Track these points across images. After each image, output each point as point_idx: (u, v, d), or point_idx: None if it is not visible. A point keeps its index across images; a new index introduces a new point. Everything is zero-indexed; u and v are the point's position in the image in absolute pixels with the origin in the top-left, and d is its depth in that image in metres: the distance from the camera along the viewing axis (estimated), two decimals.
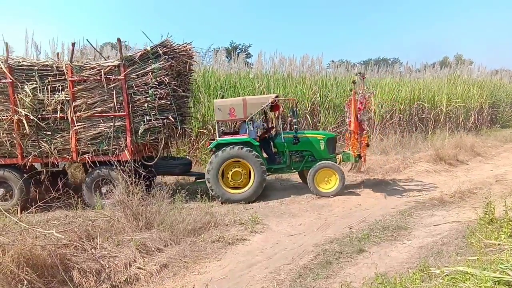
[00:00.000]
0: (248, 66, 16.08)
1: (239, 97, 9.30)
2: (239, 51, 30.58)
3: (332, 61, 19.27)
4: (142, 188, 6.19)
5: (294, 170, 8.88)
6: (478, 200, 7.20)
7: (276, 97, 8.49)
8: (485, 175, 9.91)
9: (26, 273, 3.92)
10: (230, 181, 8.10)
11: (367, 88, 8.73)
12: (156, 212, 5.98)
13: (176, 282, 4.53)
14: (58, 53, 9.46)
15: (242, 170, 8.08)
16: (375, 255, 5.02)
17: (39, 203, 5.41)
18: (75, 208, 6.76)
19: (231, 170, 8.06)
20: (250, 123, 8.36)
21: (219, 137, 8.21)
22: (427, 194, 8.16)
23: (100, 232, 5.20)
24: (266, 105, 8.43)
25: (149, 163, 7.79)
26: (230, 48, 30.68)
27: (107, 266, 4.56)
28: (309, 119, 13.90)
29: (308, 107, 14.09)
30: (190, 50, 8.31)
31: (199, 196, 7.79)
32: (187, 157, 11.02)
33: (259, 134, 8.85)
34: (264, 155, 8.73)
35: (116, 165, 7.10)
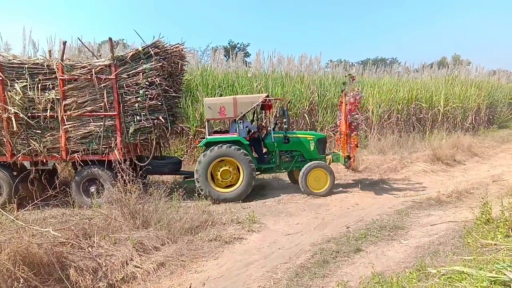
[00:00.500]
0: (246, 65, 16.08)
1: (229, 96, 9.27)
2: (238, 50, 30.57)
3: (331, 60, 19.29)
4: (139, 186, 6.18)
5: (283, 170, 8.86)
6: (475, 200, 7.23)
7: (267, 96, 8.49)
8: (482, 175, 9.94)
9: (23, 271, 3.90)
10: (219, 180, 8.05)
11: (358, 89, 8.73)
12: (153, 210, 5.97)
13: (173, 280, 4.52)
14: (50, 51, 9.41)
15: (231, 169, 8.04)
16: (372, 255, 5.03)
17: (35, 201, 5.40)
18: (72, 206, 6.75)
19: (221, 169, 8.02)
20: (241, 122, 8.33)
21: (209, 135, 8.19)
22: (424, 194, 8.17)
23: (97, 230, 5.19)
24: (257, 105, 8.41)
25: (140, 163, 7.75)
26: (228, 47, 30.67)
27: (104, 264, 4.55)
28: (307, 118, 13.91)
29: (306, 106, 14.10)
30: (182, 50, 8.33)
31: (196, 194, 7.79)
32: (185, 155, 11.00)
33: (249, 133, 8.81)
34: (255, 154, 8.72)
35: (115, 164, 7.07)
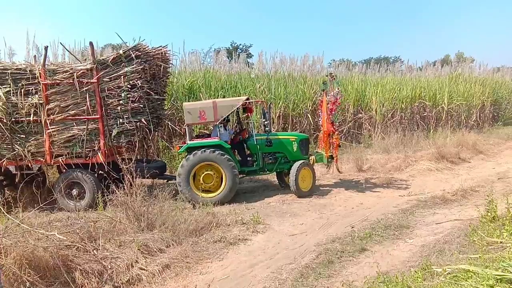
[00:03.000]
0: (249, 66, 16.09)
1: (209, 100, 9.10)
2: (240, 51, 30.60)
3: (333, 60, 19.28)
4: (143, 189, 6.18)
5: (268, 172, 8.80)
6: (480, 198, 7.19)
7: (247, 99, 8.36)
8: (487, 173, 9.88)
9: (29, 274, 3.92)
10: (202, 184, 7.87)
11: (338, 88, 8.65)
12: (158, 212, 5.98)
13: (178, 282, 4.53)
14: (35, 56, 9.50)
15: (213, 174, 7.89)
16: (377, 254, 5.01)
17: (41, 205, 5.43)
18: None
19: (203, 173, 7.89)
20: (221, 126, 8.25)
21: (189, 140, 8.08)
22: (429, 192, 8.14)
23: (102, 233, 5.20)
24: (237, 108, 8.31)
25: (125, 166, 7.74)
26: (231, 48, 30.69)
27: (109, 267, 4.56)
28: (310, 118, 13.90)
29: (309, 106, 14.08)
30: (165, 53, 8.36)
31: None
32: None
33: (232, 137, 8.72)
34: (239, 157, 8.66)
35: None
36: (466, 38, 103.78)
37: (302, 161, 8.32)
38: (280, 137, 8.70)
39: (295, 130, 13.48)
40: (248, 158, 8.74)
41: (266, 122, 8.42)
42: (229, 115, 8.48)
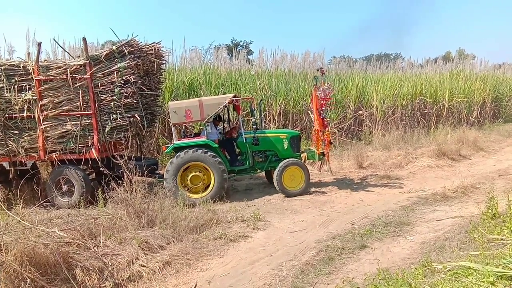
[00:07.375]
0: (249, 63, 16.07)
1: (195, 99, 8.89)
2: (240, 48, 30.54)
3: (334, 57, 19.24)
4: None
5: (258, 171, 8.65)
6: (481, 195, 7.18)
7: (234, 96, 8.26)
8: (488, 170, 9.87)
9: (29, 271, 3.93)
10: (189, 184, 7.77)
11: (329, 83, 8.53)
12: (159, 209, 5.99)
13: (179, 279, 4.54)
14: (28, 53, 9.51)
15: (201, 174, 7.79)
16: (378, 251, 5.01)
17: (41, 202, 5.44)
18: (77, 207, 6.78)
19: (190, 174, 7.77)
20: (208, 125, 8.15)
21: (176, 140, 7.97)
22: (430, 189, 8.12)
23: (102, 230, 5.22)
24: (224, 106, 8.10)
25: (118, 162, 7.65)
26: (231, 45, 30.64)
27: (110, 264, 4.57)
28: (311, 115, 13.86)
29: (309, 103, 14.06)
30: (158, 49, 8.37)
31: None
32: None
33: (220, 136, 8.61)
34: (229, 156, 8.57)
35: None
36: (468, 35, 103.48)
37: (290, 159, 8.18)
38: (269, 134, 8.52)
39: (296, 127, 13.46)
40: (238, 157, 8.62)
41: (253, 120, 8.35)
42: (216, 113, 8.26)
